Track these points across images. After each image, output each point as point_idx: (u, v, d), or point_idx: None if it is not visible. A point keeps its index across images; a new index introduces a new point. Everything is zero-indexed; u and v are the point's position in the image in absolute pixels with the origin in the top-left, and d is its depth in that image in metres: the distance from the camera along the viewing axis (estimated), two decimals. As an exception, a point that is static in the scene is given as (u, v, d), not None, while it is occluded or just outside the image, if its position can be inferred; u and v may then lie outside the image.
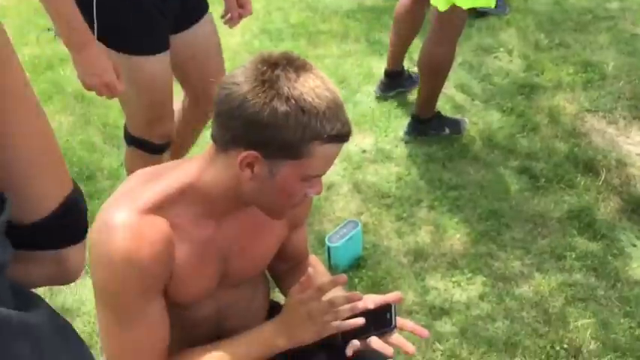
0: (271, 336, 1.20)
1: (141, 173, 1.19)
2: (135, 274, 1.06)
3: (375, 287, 2.32)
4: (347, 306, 1.18)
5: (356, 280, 2.35)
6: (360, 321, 1.17)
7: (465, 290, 2.35)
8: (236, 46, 3.65)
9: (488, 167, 2.90)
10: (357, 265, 2.42)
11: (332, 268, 2.39)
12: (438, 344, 2.14)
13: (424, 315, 2.24)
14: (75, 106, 3.26)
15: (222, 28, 2.24)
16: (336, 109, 1.05)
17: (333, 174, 2.85)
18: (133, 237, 1.06)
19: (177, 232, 1.12)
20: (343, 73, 3.46)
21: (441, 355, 2.12)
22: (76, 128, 3.14)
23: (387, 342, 1.19)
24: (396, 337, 1.21)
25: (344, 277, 1.20)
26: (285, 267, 1.46)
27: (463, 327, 2.20)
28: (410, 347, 1.19)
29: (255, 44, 3.73)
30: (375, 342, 1.18)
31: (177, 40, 2.01)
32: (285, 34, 3.83)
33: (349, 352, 1.18)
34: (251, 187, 1.09)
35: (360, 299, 1.19)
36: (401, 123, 3.14)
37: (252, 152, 1.04)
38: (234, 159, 1.06)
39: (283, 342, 1.19)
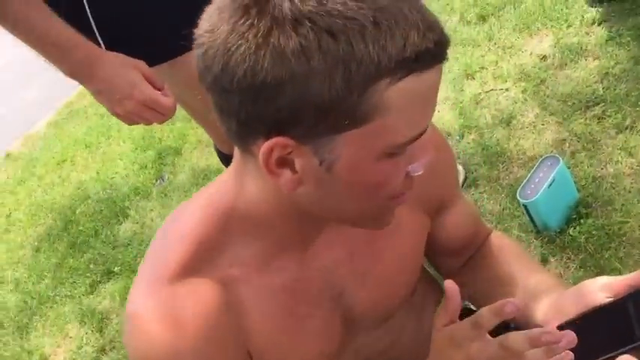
0: None
1: (168, 219, 0.80)
2: None
3: (615, 241, 1.56)
4: (537, 351, 0.66)
5: (582, 240, 1.61)
6: (567, 358, 0.65)
7: None
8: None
9: None
10: (576, 215, 1.68)
11: (541, 232, 1.68)
12: None
13: None
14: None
15: None
16: (395, 9, 0.58)
17: (509, 102, 2.10)
18: (167, 325, 0.71)
19: (239, 288, 0.75)
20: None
21: None
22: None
23: None
24: None
25: (514, 303, 0.66)
26: (456, 262, 1.00)
27: None
28: None
29: None
30: None
31: None
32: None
33: None
34: (305, 195, 0.68)
35: (556, 341, 0.66)
36: (585, 1, 2.27)
37: (278, 140, 0.62)
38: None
39: None
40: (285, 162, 0.63)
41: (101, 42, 1.25)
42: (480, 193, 1.90)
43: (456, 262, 0.99)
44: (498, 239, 1.00)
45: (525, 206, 1.66)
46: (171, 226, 0.78)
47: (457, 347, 0.70)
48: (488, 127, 2.07)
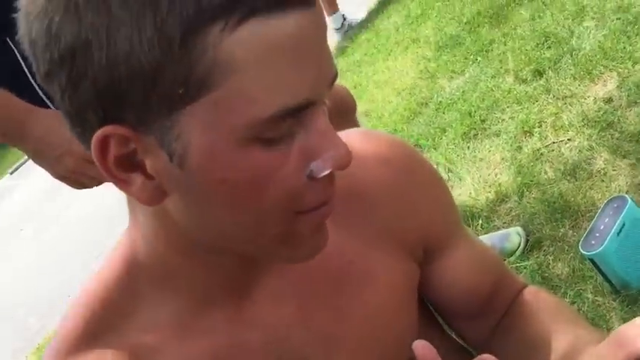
0: None
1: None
2: None
3: None
4: None
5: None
6: None
7: None
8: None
9: None
10: (662, 266, 1.34)
11: (620, 291, 1.36)
12: None
13: None
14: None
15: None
16: None
17: (574, 153, 1.83)
18: None
19: (152, 359, 0.57)
20: (540, 26, 2.45)
21: None
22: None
23: None
24: None
25: None
26: (480, 328, 0.76)
27: None
28: None
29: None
30: None
31: None
32: None
33: None
34: (180, 213, 0.51)
35: None
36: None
37: (107, 128, 0.47)
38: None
39: None
40: (131, 164, 0.48)
41: (43, 95, 1.17)
42: (545, 255, 1.60)
43: (481, 328, 0.76)
44: (532, 295, 0.76)
45: (592, 260, 1.35)
46: (79, 293, 0.62)
47: None
48: (550, 183, 1.80)
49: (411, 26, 3.43)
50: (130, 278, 0.58)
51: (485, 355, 0.50)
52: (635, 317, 1.29)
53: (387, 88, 2.97)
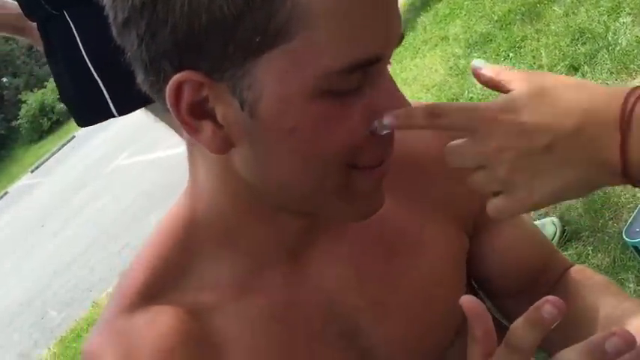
0: None
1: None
2: None
3: None
4: None
5: None
6: None
7: None
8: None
9: None
10: None
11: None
12: None
13: None
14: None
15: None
16: None
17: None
18: None
19: (212, 317, 0.58)
20: (575, 22, 2.43)
21: None
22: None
23: None
24: None
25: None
26: (524, 305, 0.65)
27: None
28: None
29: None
30: None
31: None
32: None
33: None
34: (246, 165, 0.52)
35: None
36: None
37: (183, 74, 0.47)
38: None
39: None
40: (203, 111, 0.49)
41: (99, 80, 1.20)
42: (584, 245, 1.58)
43: (525, 305, 0.73)
44: (578, 272, 0.74)
45: (636, 247, 1.33)
46: (139, 251, 0.63)
47: None
48: (588, 175, 1.77)
49: (439, 25, 3.42)
50: (189, 237, 0.59)
51: (465, 298, 0.48)
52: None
53: (416, 84, 2.96)
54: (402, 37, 0.50)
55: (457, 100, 2.62)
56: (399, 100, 0.50)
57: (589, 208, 1.65)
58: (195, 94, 0.48)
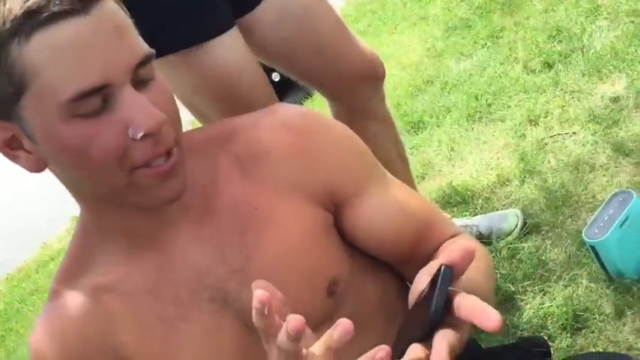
0: None
1: None
2: None
3: None
4: None
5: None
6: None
7: None
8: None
9: None
10: (657, 261, 1.41)
11: (614, 279, 1.43)
12: None
13: None
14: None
15: None
16: None
17: (577, 146, 1.89)
18: (44, 338, 0.76)
19: (106, 296, 0.75)
20: (553, 19, 2.49)
21: None
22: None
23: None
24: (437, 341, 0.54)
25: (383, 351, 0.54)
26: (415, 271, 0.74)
27: None
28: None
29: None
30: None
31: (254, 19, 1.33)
32: None
33: None
34: (58, 174, 0.71)
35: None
36: (661, 42, 2.07)
37: None
38: None
39: None
40: (16, 145, 0.67)
41: None
42: (543, 239, 1.67)
43: (412, 272, 0.79)
44: (461, 239, 0.82)
45: (593, 247, 1.42)
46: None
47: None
48: (552, 172, 1.86)
49: (420, 3, 3.44)
50: (85, 235, 0.76)
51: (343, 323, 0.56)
52: (626, 305, 1.36)
53: (392, 61, 2.98)
54: (146, 58, 0.64)
55: (432, 82, 2.67)
56: (145, 110, 0.63)
57: (551, 205, 1.73)
58: (5, 134, 0.66)
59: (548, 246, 1.64)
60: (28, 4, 0.59)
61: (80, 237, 0.77)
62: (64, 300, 0.75)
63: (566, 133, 1.98)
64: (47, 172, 0.71)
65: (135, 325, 0.74)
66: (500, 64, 2.47)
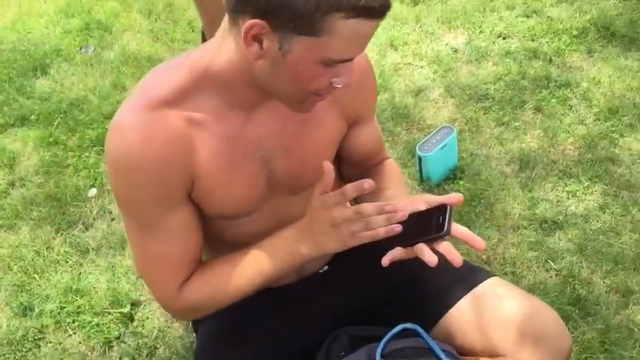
0: (294, 242, 1.01)
1: (156, 68, 1.02)
2: (144, 180, 0.95)
3: (475, 200, 2.04)
4: (381, 217, 0.95)
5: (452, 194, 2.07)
6: (397, 228, 0.95)
7: (581, 201, 2.01)
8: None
9: (605, 60, 2.48)
10: (452, 176, 2.13)
11: (424, 181, 2.12)
12: (551, 262, 1.85)
13: (533, 230, 1.94)
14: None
15: None
16: None
17: (421, 77, 2.52)
18: (141, 138, 0.93)
19: (197, 129, 0.97)
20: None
21: (556, 275, 1.82)
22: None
23: (433, 250, 0.96)
24: (444, 246, 0.96)
25: (370, 182, 0.94)
26: (354, 171, 1.24)
27: (581, 243, 1.89)
28: (456, 257, 0.94)
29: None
30: (419, 250, 0.96)
31: None
32: None
33: (385, 262, 0.98)
34: (261, 67, 0.90)
35: (394, 211, 0.95)
36: (498, 16, 2.75)
37: (259, 22, 0.84)
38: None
39: (307, 249, 1.00)
40: (257, 39, 0.86)
41: None
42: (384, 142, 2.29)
43: (354, 171, 1.24)
44: (391, 165, 1.27)
45: (420, 158, 2.08)
46: (161, 72, 1.00)
47: (325, 209, 0.96)
48: (400, 92, 2.48)
49: None
50: (200, 76, 0.94)
51: (326, 162, 0.96)
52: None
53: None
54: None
55: None
56: (351, 74, 0.92)
57: (393, 117, 2.36)
58: (259, 31, 0.84)
59: (387, 148, 2.27)
60: (369, 3, 0.81)
61: (194, 78, 0.94)
62: (159, 115, 0.93)
63: (416, 65, 2.60)
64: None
65: (213, 157, 0.98)
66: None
